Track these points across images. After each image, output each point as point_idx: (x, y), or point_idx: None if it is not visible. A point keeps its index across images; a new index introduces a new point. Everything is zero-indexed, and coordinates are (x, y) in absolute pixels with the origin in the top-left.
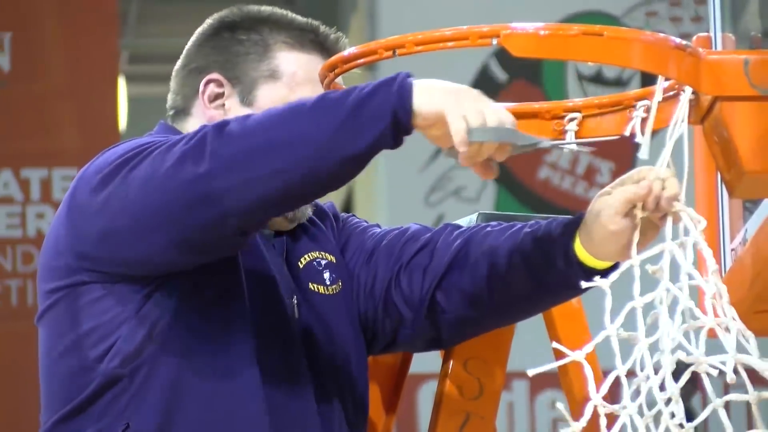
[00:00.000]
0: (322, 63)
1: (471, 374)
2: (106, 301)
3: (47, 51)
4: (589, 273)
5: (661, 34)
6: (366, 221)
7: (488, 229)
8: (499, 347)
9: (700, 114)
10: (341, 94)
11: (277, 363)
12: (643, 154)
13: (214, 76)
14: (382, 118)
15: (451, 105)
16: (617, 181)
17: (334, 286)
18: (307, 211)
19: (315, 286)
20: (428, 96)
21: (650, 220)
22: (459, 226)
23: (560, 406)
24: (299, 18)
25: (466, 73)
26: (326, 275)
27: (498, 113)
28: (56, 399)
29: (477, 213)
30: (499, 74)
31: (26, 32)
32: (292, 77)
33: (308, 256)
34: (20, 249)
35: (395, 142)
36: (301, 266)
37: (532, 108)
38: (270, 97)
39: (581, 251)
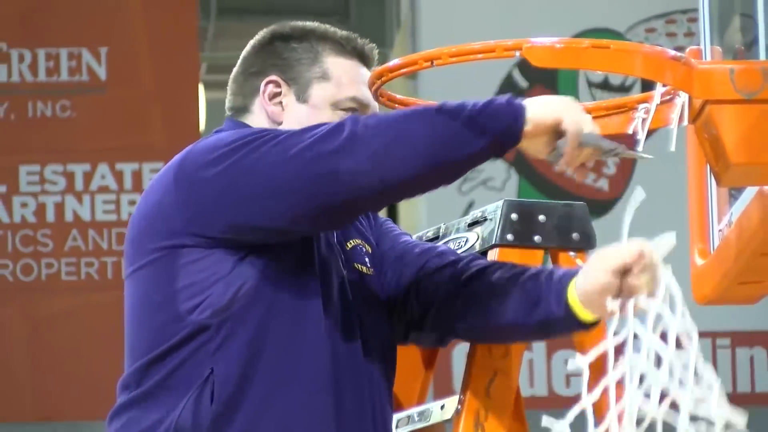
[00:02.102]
0: (361, 67)
1: None
2: (204, 262)
3: (138, 62)
4: (574, 319)
5: (659, 47)
6: (399, 228)
7: (500, 265)
8: None
9: (693, 115)
10: (458, 106)
11: (338, 324)
12: (641, 148)
13: (273, 77)
14: (496, 127)
15: (567, 113)
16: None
17: (371, 270)
18: None
19: (359, 266)
20: (543, 107)
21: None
22: (479, 257)
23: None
24: (339, 30)
25: (493, 80)
26: (366, 259)
27: (594, 124)
28: (145, 345)
29: (503, 200)
30: (521, 81)
31: (120, 46)
32: (339, 79)
33: (354, 241)
34: (115, 231)
35: (502, 151)
36: (348, 248)
37: None
38: (322, 95)
39: (572, 294)
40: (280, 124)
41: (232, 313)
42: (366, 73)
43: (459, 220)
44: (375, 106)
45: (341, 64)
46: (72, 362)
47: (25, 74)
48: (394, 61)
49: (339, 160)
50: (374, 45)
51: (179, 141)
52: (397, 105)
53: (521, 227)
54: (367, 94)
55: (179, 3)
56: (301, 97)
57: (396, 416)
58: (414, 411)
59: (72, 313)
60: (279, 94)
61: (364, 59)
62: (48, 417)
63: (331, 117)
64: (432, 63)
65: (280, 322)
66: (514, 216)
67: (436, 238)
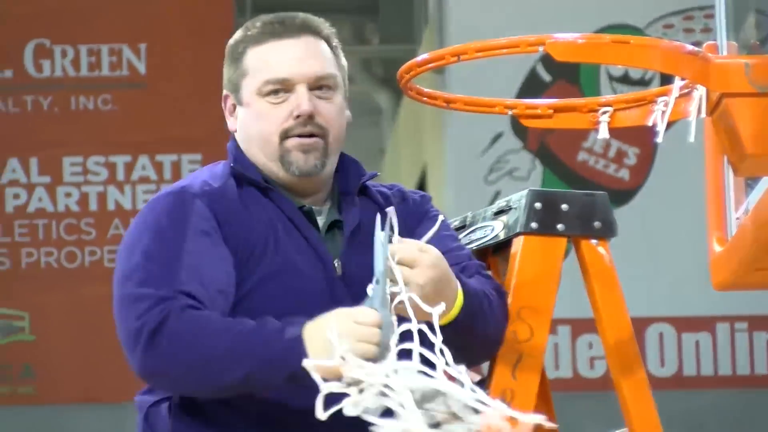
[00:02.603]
0: (279, 44)
1: (524, 320)
2: None
3: (176, 58)
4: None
5: (677, 43)
6: (448, 230)
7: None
8: (547, 298)
9: (710, 107)
10: (252, 348)
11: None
12: (660, 140)
13: (225, 92)
14: (275, 383)
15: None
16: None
17: None
18: (323, 169)
19: None
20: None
21: None
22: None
23: None
24: (266, 18)
25: (517, 75)
26: None
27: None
28: None
29: (527, 190)
30: (544, 75)
31: (159, 43)
32: (254, 68)
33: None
34: None
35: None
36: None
37: (572, 103)
38: (248, 91)
39: None
40: (236, 132)
41: None
42: (287, 45)
43: (485, 209)
44: (304, 76)
45: (256, 52)
46: (115, 346)
47: (68, 69)
48: (422, 56)
49: (134, 359)
50: (291, 15)
51: (216, 132)
52: (424, 98)
53: (545, 216)
54: (284, 69)
55: (216, 1)
56: (239, 101)
57: None
58: None
59: None
60: (233, 105)
61: (279, 34)
62: (92, 399)
63: (260, 107)
64: (459, 58)
65: None
66: (537, 205)
67: (463, 227)
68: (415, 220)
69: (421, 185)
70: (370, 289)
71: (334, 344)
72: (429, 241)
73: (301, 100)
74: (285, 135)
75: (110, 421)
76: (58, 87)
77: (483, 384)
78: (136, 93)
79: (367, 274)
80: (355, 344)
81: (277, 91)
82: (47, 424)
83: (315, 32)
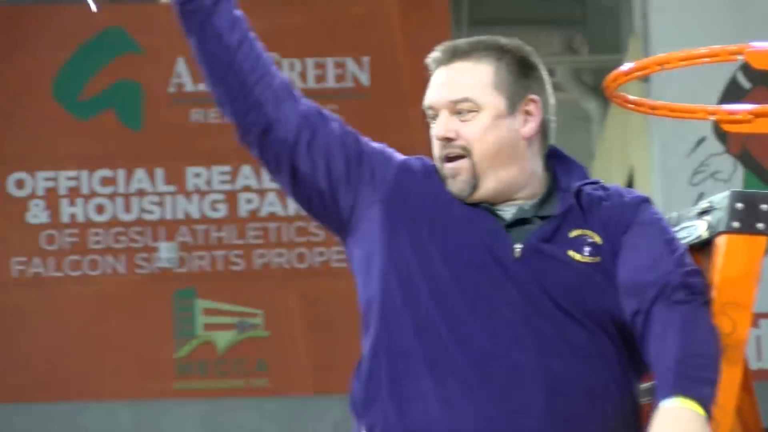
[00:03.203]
0: (436, 72)
1: (727, 315)
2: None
3: (397, 70)
4: None
5: None
6: (665, 234)
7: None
8: (748, 293)
9: None
10: None
11: (476, 307)
12: None
13: None
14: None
15: None
16: None
17: (590, 258)
18: (474, 190)
19: (572, 253)
20: None
21: None
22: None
23: None
24: (438, 46)
25: (719, 82)
26: (586, 249)
27: None
28: None
29: (729, 191)
30: (745, 83)
31: (381, 56)
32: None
33: (578, 231)
34: None
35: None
36: (571, 236)
37: None
38: None
39: None
40: None
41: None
42: (438, 73)
43: (690, 209)
44: (442, 103)
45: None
46: (343, 339)
47: (296, 82)
48: (627, 66)
49: None
50: (462, 40)
51: None
52: (630, 105)
53: (746, 216)
54: (429, 97)
55: (434, 16)
56: None
57: None
58: (645, 386)
59: (342, 294)
60: None
61: (439, 62)
62: (322, 391)
63: (431, 131)
64: (662, 66)
65: (394, 298)
66: (739, 205)
67: None
68: (623, 222)
69: (629, 187)
70: None
71: None
72: (638, 244)
73: (437, 125)
74: (440, 159)
75: (339, 412)
76: None
77: None
78: (361, 103)
79: (549, 257)
80: None
81: (433, 117)
82: (280, 414)
83: (468, 56)
